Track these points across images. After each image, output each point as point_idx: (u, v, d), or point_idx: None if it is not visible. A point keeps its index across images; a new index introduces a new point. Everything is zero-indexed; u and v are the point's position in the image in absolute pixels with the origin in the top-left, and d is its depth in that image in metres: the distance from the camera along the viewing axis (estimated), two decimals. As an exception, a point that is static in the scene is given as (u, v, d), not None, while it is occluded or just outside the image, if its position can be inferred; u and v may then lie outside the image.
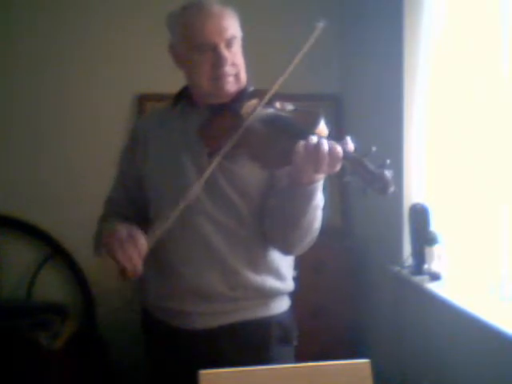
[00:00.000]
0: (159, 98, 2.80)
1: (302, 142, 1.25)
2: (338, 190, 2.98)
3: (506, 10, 1.96)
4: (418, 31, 2.41)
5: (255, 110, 1.41)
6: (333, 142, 1.23)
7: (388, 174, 1.19)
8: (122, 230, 1.43)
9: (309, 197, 1.37)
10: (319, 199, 1.42)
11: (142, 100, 2.91)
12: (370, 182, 1.19)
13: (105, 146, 2.87)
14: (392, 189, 1.19)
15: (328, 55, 2.99)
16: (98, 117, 2.92)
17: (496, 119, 2.04)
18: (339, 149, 1.22)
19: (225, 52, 1.47)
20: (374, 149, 1.21)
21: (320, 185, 1.39)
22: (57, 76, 2.86)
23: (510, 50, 1.96)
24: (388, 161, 1.19)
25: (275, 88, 1.43)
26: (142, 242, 1.39)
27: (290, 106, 1.50)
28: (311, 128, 1.29)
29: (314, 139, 1.24)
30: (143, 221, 1.67)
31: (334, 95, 3.08)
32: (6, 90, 2.84)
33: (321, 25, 1.43)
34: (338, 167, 1.24)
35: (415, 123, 2.47)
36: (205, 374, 1.28)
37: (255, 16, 2.60)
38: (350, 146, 1.25)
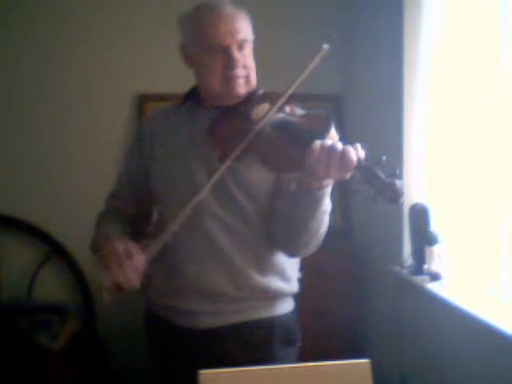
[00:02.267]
0: (159, 98, 2.80)
1: (317, 143, 1.23)
2: (337, 191, 2.98)
3: (506, 10, 1.96)
4: (417, 31, 2.41)
5: (266, 117, 1.40)
6: (347, 147, 1.22)
7: (399, 183, 1.17)
8: (120, 246, 1.43)
9: (317, 202, 1.37)
10: (327, 205, 1.41)
11: (142, 100, 2.91)
12: (380, 191, 1.18)
13: (105, 146, 2.88)
14: (403, 199, 1.18)
15: (328, 55, 2.98)
16: (98, 117, 2.91)
17: (496, 119, 2.04)
18: (353, 154, 1.20)
19: (236, 54, 1.47)
20: (384, 158, 1.19)
21: (329, 190, 1.38)
22: (57, 76, 2.86)
23: (510, 50, 1.96)
24: (398, 170, 1.18)
25: (282, 100, 1.43)
26: (139, 258, 1.41)
27: (300, 111, 1.50)
28: (322, 133, 1.28)
29: (328, 141, 1.22)
30: (144, 218, 1.68)
31: (334, 95, 3.08)
32: (6, 89, 2.84)
33: (325, 48, 1.43)
34: (350, 173, 1.22)
35: (415, 123, 2.47)
36: (204, 373, 1.27)
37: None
38: (361, 153, 1.22)
